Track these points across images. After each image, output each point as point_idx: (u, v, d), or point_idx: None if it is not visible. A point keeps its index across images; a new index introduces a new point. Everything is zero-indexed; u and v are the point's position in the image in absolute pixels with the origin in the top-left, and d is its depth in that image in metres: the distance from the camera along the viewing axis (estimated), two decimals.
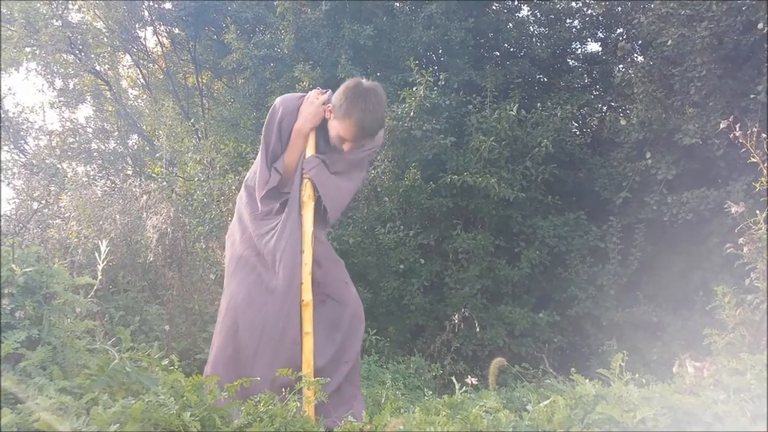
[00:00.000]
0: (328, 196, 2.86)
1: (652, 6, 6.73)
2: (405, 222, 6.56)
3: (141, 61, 11.12)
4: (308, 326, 2.75)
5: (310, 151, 2.88)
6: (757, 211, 2.92)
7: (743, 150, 3.16)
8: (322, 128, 2.89)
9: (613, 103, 8.56)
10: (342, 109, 2.73)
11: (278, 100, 2.93)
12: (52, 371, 1.85)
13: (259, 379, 2.43)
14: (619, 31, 8.38)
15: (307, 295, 2.76)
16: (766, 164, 3.03)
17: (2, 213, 5.20)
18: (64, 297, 2.05)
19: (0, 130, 9.67)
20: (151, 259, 4.61)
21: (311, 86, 3.26)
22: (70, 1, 10.18)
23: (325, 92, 2.93)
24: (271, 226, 2.85)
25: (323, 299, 2.89)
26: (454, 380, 2.35)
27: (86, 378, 1.84)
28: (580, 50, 8.86)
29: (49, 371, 1.85)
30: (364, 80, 2.82)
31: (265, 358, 2.73)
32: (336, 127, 2.79)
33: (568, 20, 8.60)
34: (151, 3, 10.17)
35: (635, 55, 7.95)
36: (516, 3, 9.07)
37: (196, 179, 7.13)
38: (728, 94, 6.09)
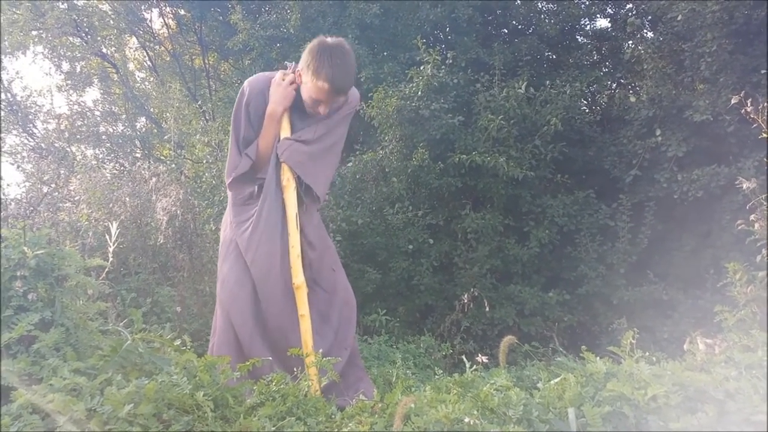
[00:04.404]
0: (308, 174, 2.81)
1: None
2: (413, 202, 6.54)
3: (147, 44, 11.10)
4: (303, 308, 2.73)
5: (284, 133, 2.83)
6: None
7: (754, 126, 3.14)
8: (295, 104, 2.85)
9: (622, 80, 8.46)
10: (311, 68, 2.68)
11: (246, 82, 2.89)
12: (66, 352, 1.87)
13: (270, 358, 2.45)
14: (628, 6, 8.26)
15: (298, 278, 2.74)
16: None
17: (13, 196, 5.22)
18: (76, 279, 2.06)
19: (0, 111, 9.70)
20: (162, 241, 4.63)
21: None
22: None
23: (291, 68, 2.88)
24: (249, 215, 2.82)
25: (312, 286, 2.86)
26: (465, 359, 2.36)
27: (100, 359, 1.86)
28: (589, 26, 8.75)
29: (62, 353, 1.87)
30: (328, 38, 2.76)
31: (259, 342, 2.74)
32: (308, 90, 2.74)
33: None
34: None
35: (645, 30, 7.85)
36: None
37: (204, 161, 7.14)
38: (739, 70, 6.01)
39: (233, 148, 2.84)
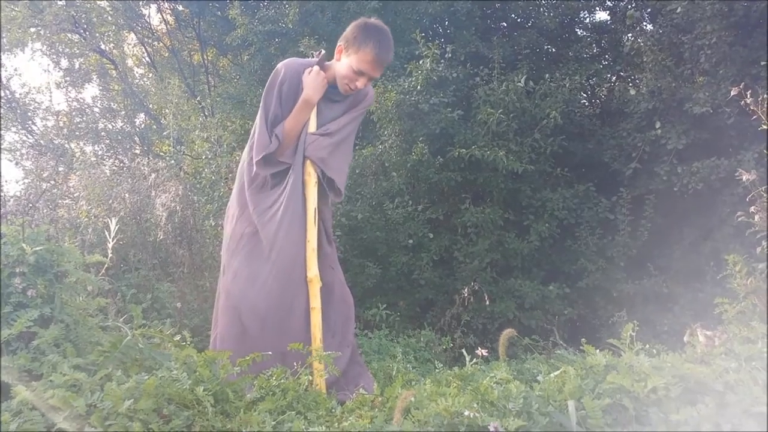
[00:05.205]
0: (329, 168, 2.90)
1: None
2: (413, 197, 6.54)
3: (146, 39, 11.10)
4: (315, 301, 2.77)
5: (312, 126, 2.91)
6: None
7: (754, 118, 3.12)
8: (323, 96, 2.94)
9: (622, 73, 8.45)
10: (358, 39, 2.82)
11: (281, 63, 2.97)
12: (66, 348, 1.87)
13: (270, 353, 2.44)
14: None
15: (311, 271, 2.78)
16: None
17: (12, 193, 5.22)
18: (76, 275, 2.06)
19: None
20: (161, 237, 4.63)
21: None
22: None
23: (318, 54, 2.97)
24: (270, 202, 2.85)
25: None
26: (465, 353, 2.36)
27: (99, 355, 1.86)
28: (588, 19, 8.74)
29: (62, 349, 1.88)
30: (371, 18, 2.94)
31: (273, 334, 2.73)
32: (350, 62, 2.84)
33: None
34: None
35: (644, 23, 7.83)
36: None
37: (203, 157, 7.13)
38: (738, 62, 6.00)
39: (262, 127, 2.92)
